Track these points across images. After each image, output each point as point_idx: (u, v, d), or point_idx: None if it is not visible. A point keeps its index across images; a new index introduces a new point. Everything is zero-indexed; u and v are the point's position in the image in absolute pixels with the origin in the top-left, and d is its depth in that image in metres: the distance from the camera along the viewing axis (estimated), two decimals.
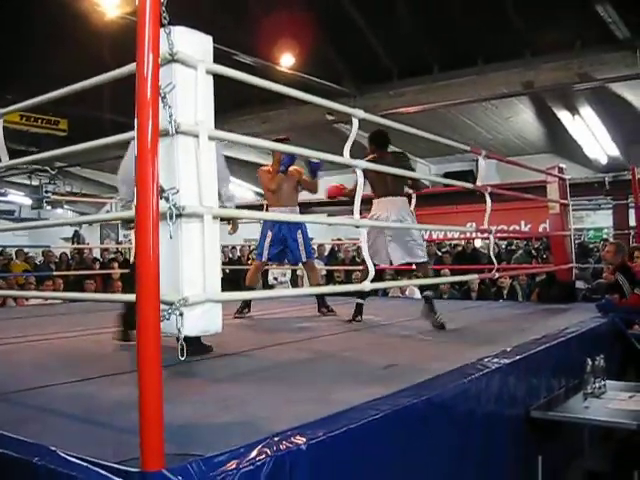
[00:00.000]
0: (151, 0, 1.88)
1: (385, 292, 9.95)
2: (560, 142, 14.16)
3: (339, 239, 14.06)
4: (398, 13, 12.17)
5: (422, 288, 5.81)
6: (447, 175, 14.75)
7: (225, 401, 2.79)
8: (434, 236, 13.70)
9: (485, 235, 5.50)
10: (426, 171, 16.68)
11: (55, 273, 10.20)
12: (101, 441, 2.20)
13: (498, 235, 5.94)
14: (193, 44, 2.40)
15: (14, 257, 13.26)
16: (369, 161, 4.73)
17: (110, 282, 10.95)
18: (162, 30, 2.08)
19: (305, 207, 15.40)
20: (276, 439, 2.05)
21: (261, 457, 1.92)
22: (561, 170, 7.47)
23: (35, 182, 18.92)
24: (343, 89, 13.71)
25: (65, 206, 20.82)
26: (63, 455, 1.93)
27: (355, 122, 3.62)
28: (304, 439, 2.09)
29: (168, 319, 2.02)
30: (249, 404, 2.73)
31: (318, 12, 12.26)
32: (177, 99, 2.26)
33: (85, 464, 1.86)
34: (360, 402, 2.57)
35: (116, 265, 11.68)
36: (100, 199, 19.95)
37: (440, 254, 12.60)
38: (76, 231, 19.69)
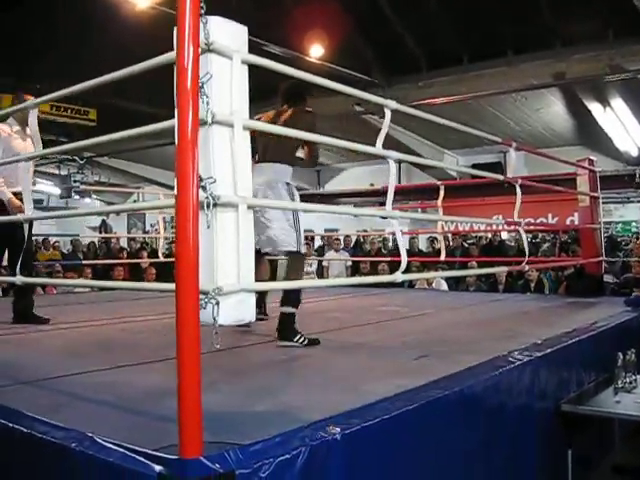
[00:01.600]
0: None
1: (411, 284, 9.91)
2: (590, 134, 13.99)
3: (365, 230, 14.06)
4: (427, 3, 12.09)
5: (283, 300, 4.15)
6: (475, 166, 14.70)
7: (258, 390, 2.81)
8: (460, 228, 13.62)
9: (513, 228, 5.36)
10: (454, 162, 16.61)
11: (84, 262, 10.26)
12: (135, 428, 2.22)
13: (526, 228, 5.84)
14: (229, 34, 2.40)
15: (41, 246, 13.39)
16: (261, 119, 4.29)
17: (138, 271, 11.02)
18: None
19: (331, 198, 15.54)
20: (311, 428, 2.07)
21: (297, 446, 1.94)
22: (591, 162, 7.38)
23: (64, 171, 19.10)
24: (372, 80, 13.65)
25: (93, 195, 20.99)
26: (100, 441, 1.96)
27: (387, 113, 3.60)
28: (339, 429, 2.10)
29: (205, 308, 2.03)
30: (282, 393, 2.74)
31: (347, 3, 12.22)
32: (213, 89, 2.26)
33: (122, 450, 1.88)
34: (392, 393, 2.57)
35: (145, 254, 11.75)
36: (127, 189, 20.17)
37: (467, 245, 12.55)
38: (103, 220, 19.87)
